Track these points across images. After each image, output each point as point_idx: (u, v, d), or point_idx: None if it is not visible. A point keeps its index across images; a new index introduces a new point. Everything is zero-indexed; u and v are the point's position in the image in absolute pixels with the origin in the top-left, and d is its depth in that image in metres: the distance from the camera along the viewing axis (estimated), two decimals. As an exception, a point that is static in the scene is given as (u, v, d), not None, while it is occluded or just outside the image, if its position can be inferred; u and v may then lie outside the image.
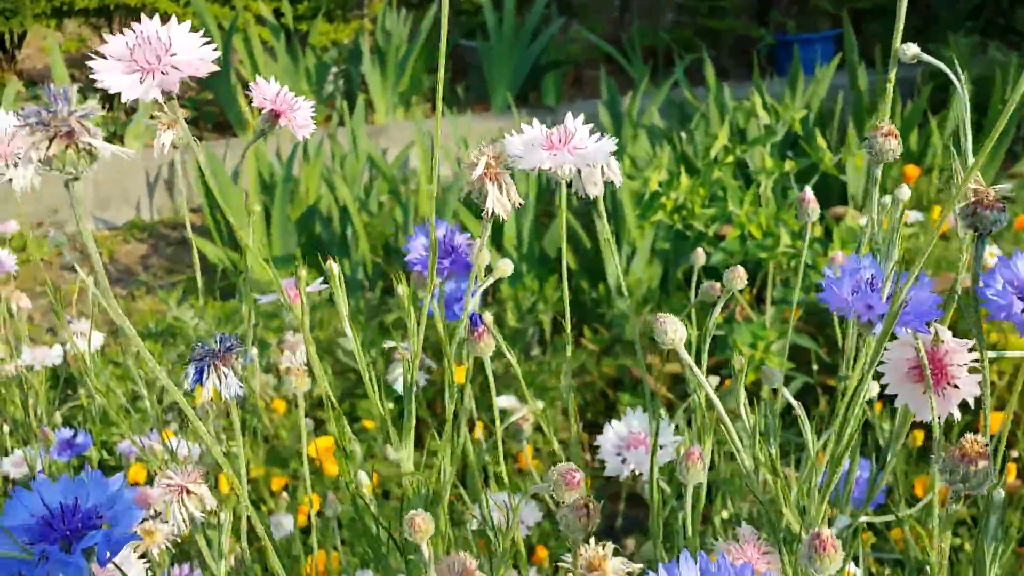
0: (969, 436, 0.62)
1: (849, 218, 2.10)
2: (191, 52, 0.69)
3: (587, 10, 5.70)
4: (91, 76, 0.68)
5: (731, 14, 5.47)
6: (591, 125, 0.80)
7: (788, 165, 2.23)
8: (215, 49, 0.71)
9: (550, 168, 0.76)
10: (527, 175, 3.25)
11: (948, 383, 0.72)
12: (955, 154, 0.81)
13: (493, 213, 0.75)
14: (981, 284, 0.71)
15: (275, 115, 0.89)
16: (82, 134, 0.51)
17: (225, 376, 0.75)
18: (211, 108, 4.35)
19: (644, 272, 2.76)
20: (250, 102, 4.41)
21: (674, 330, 0.61)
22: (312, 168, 3.26)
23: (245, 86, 4.46)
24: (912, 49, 0.81)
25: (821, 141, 2.45)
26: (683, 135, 3.46)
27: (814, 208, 1.03)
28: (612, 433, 1.01)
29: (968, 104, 0.80)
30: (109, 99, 4.20)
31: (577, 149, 0.77)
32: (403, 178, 3.61)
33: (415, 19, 4.57)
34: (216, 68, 0.70)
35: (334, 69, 4.57)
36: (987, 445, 0.62)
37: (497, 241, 3.04)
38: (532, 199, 3.13)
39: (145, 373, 1.87)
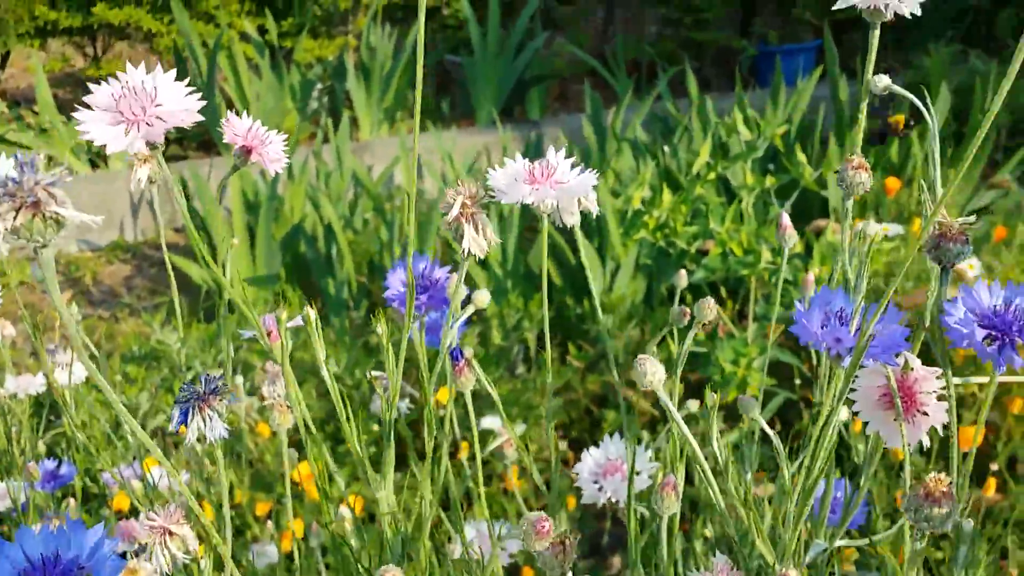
0: (934, 475, 0.64)
1: (829, 233, 2.12)
2: (176, 102, 0.70)
3: (571, 24, 5.73)
4: (77, 128, 0.70)
5: (714, 26, 5.51)
6: (573, 159, 0.81)
7: (768, 181, 2.25)
8: (200, 98, 0.72)
9: (532, 202, 0.77)
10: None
11: (918, 410, 0.73)
12: (924, 188, 0.82)
13: (469, 252, 0.77)
14: (944, 314, 0.73)
15: (247, 151, 0.90)
16: (49, 203, 0.52)
17: (210, 418, 0.76)
18: (196, 127, 4.36)
19: (628, 288, 2.78)
20: (235, 120, 4.42)
21: (653, 372, 0.62)
22: (297, 187, 3.27)
23: (230, 104, 4.46)
24: (883, 81, 0.83)
25: (801, 156, 2.48)
26: (666, 149, 3.48)
27: (791, 235, 1.05)
28: (590, 460, 1.02)
29: (937, 133, 0.81)
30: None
31: (559, 183, 0.78)
32: (388, 195, 3.61)
33: (400, 35, 4.59)
34: (200, 117, 0.72)
35: (319, 86, 4.58)
36: (951, 483, 0.64)
37: (482, 258, 3.05)
38: (516, 215, 3.14)
39: (128, 399, 1.87)
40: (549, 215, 0.89)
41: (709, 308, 0.80)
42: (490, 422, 1.99)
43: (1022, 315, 0.69)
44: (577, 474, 1.03)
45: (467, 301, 0.91)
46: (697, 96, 3.88)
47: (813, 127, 3.51)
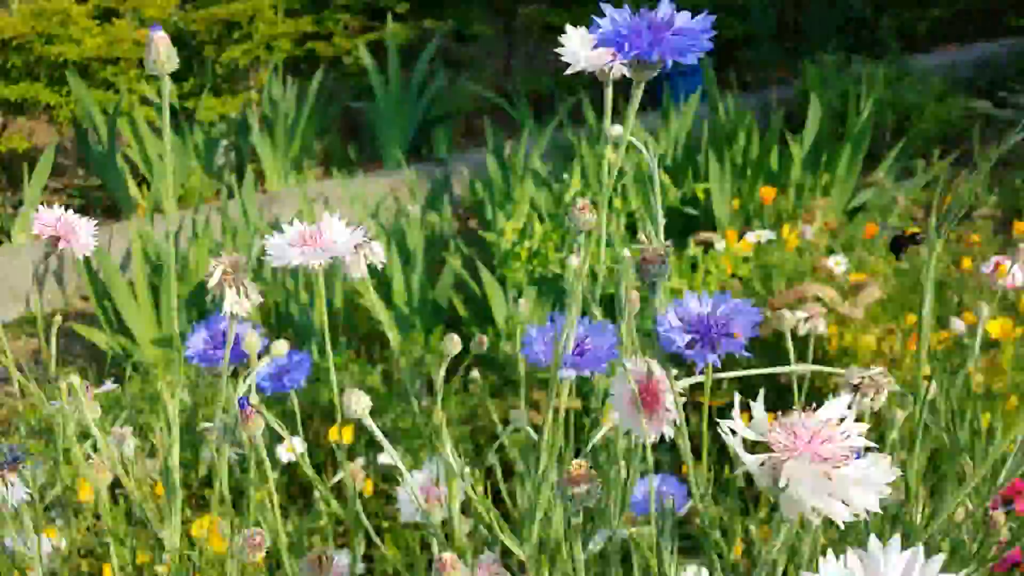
0: (576, 462, 0.72)
1: (692, 248, 2.24)
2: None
3: (474, 62, 5.86)
4: None
5: (611, 53, 5.69)
6: (345, 220, 0.90)
7: (634, 204, 2.37)
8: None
9: (301, 264, 0.86)
10: (411, 227, 3.35)
11: (661, 408, 0.82)
12: (649, 227, 0.92)
13: (233, 313, 0.85)
14: (657, 323, 0.82)
15: (56, 239, 0.97)
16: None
17: (12, 484, 0.83)
18: (99, 194, 4.37)
19: (532, 312, 2.87)
20: (139, 183, 4.44)
21: (358, 401, 0.70)
22: (201, 244, 3.30)
23: (135, 167, 4.48)
24: (616, 130, 0.92)
25: (664, 178, 2.61)
26: (566, 176, 3.60)
27: (578, 268, 1.14)
28: (412, 481, 1.09)
29: (656, 174, 0.91)
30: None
31: (329, 245, 0.87)
32: (297, 244, 3.66)
33: (302, 86, 4.66)
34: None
35: (224, 142, 4.62)
36: (590, 468, 0.72)
37: (387, 295, 3.12)
38: (420, 252, 3.22)
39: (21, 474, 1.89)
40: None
41: (453, 344, 0.87)
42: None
43: (722, 319, 0.79)
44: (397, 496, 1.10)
45: (266, 351, 0.99)
46: (595, 123, 4.03)
47: (699, 144, 3.66)
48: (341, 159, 4.77)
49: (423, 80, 4.91)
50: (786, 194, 3.05)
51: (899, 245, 1.36)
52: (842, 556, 0.45)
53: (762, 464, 0.46)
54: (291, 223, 0.98)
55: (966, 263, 2.75)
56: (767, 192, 2.93)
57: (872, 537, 0.45)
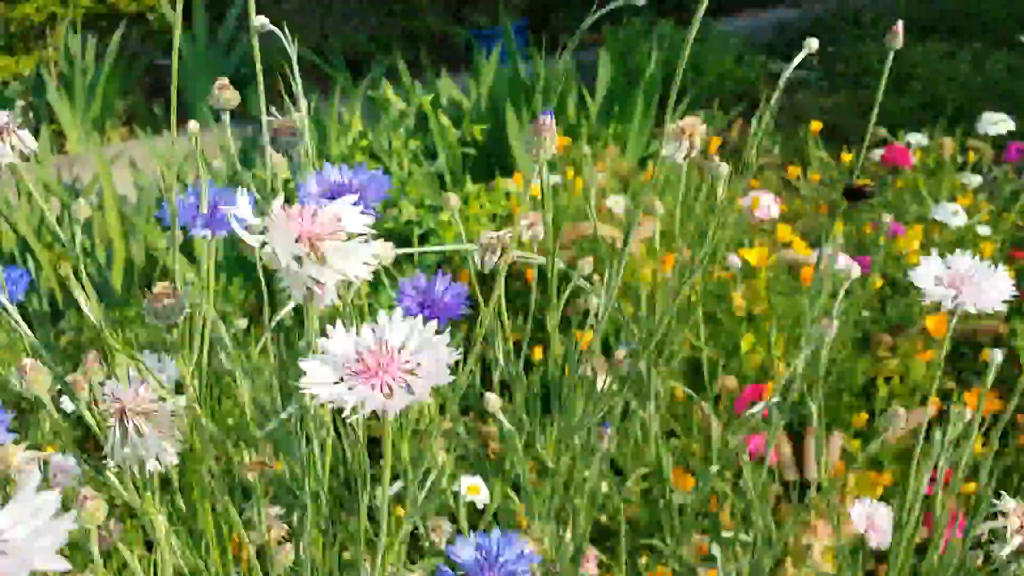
0: (161, 284, 0.79)
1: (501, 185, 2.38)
2: None
3: (289, 19, 5.78)
4: None
5: (429, 14, 5.74)
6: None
7: (412, 143, 2.48)
8: None
9: None
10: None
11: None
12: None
13: None
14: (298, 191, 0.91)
15: None
16: None
17: None
18: None
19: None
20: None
21: None
22: (-10, 207, 3.18)
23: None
24: (260, 19, 0.97)
25: (445, 121, 2.72)
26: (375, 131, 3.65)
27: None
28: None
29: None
30: None
31: None
32: (99, 204, 3.57)
33: (102, 43, 4.48)
34: None
35: (20, 103, 4.40)
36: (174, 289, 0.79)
37: (190, 251, 3.10)
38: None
39: None
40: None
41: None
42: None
43: (357, 186, 0.89)
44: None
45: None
46: (409, 81, 4.09)
47: (503, 100, 3.79)
48: (147, 118, 4.63)
49: (231, 37, 4.82)
50: (580, 144, 3.23)
51: (853, 195, 1.48)
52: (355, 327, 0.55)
53: (263, 245, 0.55)
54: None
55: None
56: (561, 141, 3.09)
57: (381, 312, 0.56)
